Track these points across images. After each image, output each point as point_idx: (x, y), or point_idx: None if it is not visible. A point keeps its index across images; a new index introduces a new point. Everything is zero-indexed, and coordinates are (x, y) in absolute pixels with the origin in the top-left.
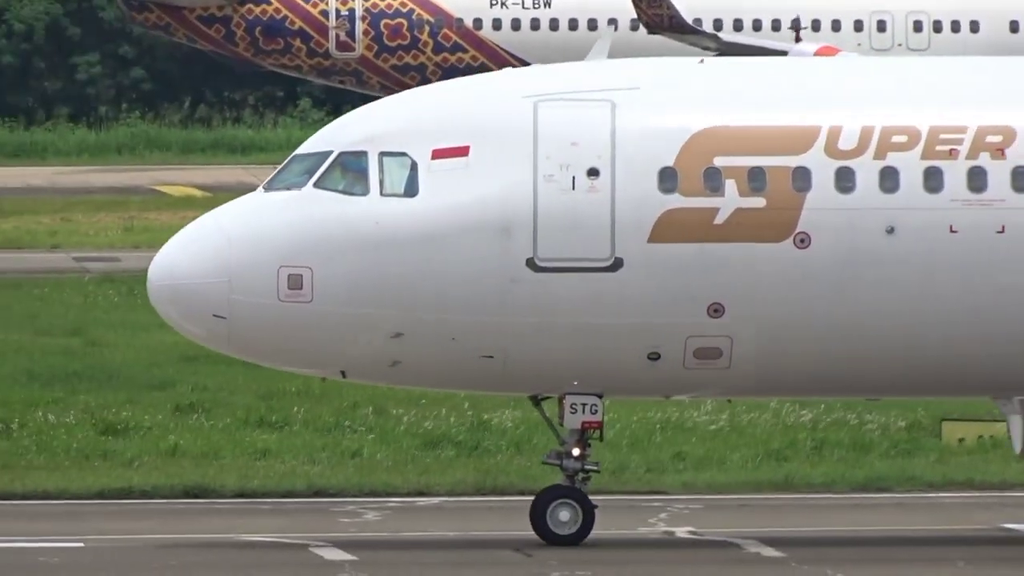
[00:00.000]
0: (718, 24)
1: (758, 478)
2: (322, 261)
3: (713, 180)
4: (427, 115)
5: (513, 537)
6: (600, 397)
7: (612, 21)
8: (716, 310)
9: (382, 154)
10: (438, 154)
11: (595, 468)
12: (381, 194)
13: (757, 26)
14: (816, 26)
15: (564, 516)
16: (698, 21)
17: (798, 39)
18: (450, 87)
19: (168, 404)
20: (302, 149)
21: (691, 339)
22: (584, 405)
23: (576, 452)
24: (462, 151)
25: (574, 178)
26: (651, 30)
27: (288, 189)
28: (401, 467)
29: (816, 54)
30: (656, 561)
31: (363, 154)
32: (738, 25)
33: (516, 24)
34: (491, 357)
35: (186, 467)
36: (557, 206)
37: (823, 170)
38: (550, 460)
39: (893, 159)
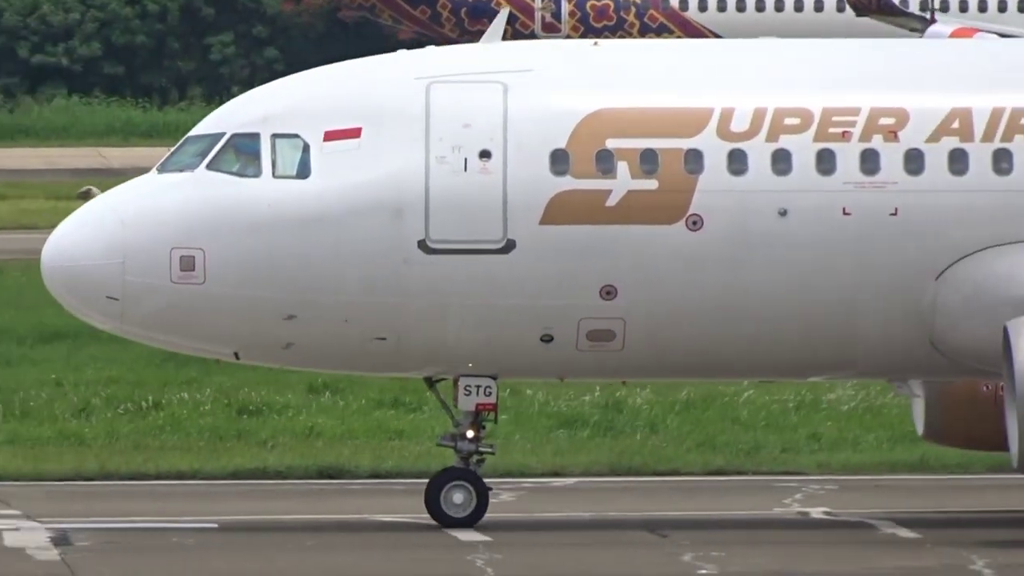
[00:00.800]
0: (924, 4)
1: (893, 459)
2: (214, 243)
3: (605, 162)
4: (320, 96)
5: (648, 518)
6: (494, 379)
7: (819, 4)
8: (608, 292)
9: (274, 136)
10: (330, 136)
11: (490, 450)
12: (273, 176)
13: (963, 7)
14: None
15: (458, 498)
16: (904, 3)
17: (932, 20)
18: (343, 68)
19: (302, 385)
20: (195, 131)
21: (584, 321)
22: (478, 387)
23: (470, 434)
24: (354, 133)
25: (466, 160)
26: (859, 12)
27: (181, 171)
28: (536, 448)
29: (952, 35)
30: (791, 542)
31: (256, 136)
32: (944, 5)
33: (722, 5)
34: (384, 339)
35: (320, 448)
36: (449, 188)
37: (715, 152)
38: (444, 442)
39: (786, 141)
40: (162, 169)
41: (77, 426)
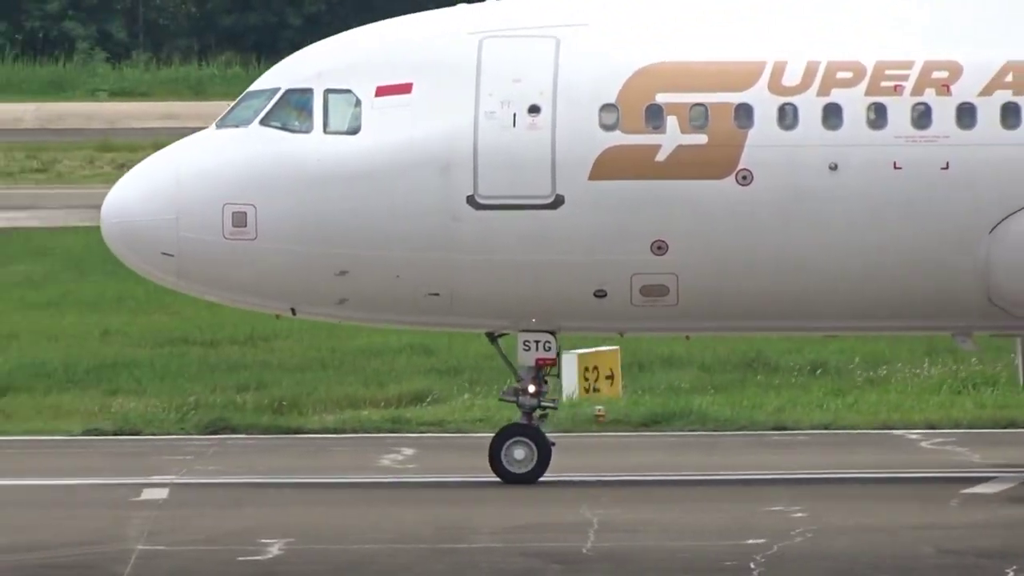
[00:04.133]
0: None
1: None
2: (265, 199)
3: (655, 117)
4: (373, 52)
5: None
6: (553, 334)
7: None
8: (660, 248)
9: (327, 91)
10: (382, 91)
11: (552, 405)
12: (324, 131)
13: None
14: None
15: (519, 454)
16: None
17: None
18: (398, 23)
19: None
20: (254, 86)
21: (636, 276)
22: (537, 342)
23: (532, 389)
24: (405, 88)
25: (515, 115)
26: None
27: (237, 126)
28: None
29: None
30: None
31: (309, 91)
32: None
33: None
34: (437, 295)
35: None
36: (497, 143)
37: (766, 107)
38: (507, 397)
39: (837, 95)
40: (220, 124)
41: None
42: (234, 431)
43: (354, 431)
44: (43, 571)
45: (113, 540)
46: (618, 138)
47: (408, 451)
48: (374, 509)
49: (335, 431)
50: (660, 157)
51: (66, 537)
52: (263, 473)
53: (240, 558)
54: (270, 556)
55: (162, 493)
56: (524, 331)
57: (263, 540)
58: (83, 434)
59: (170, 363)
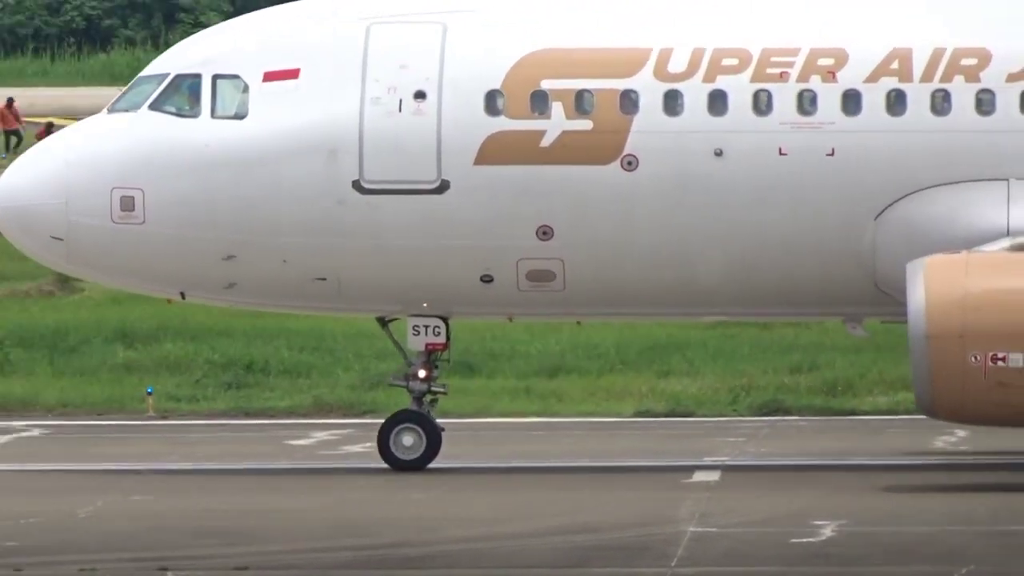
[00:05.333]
0: None
1: None
2: (153, 183)
3: (540, 103)
4: (262, 37)
5: None
6: (443, 320)
7: None
8: (545, 233)
9: (216, 76)
10: (269, 76)
11: (442, 390)
12: (212, 116)
13: None
14: None
15: (408, 441)
16: None
17: None
18: (289, 9)
19: None
20: (145, 71)
21: (522, 262)
22: (427, 327)
23: (422, 374)
24: (293, 74)
25: (401, 101)
26: None
27: (127, 111)
28: None
29: None
30: None
31: (198, 76)
32: None
33: None
34: (324, 279)
35: None
36: (383, 129)
37: (651, 93)
38: (395, 382)
39: (723, 82)
40: (111, 109)
41: None
42: (787, 413)
43: (907, 413)
44: (596, 552)
45: (665, 522)
46: (503, 123)
47: (961, 433)
48: (925, 492)
49: (888, 412)
50: (545, 143)
51: (618, 519)
52: (815, 455)
53: (792, 540)
54: (822, 538)
55: (714, 475)
56: (413, 316)
57: (815, 522)
58: (635, 415)
59: (723, 344)
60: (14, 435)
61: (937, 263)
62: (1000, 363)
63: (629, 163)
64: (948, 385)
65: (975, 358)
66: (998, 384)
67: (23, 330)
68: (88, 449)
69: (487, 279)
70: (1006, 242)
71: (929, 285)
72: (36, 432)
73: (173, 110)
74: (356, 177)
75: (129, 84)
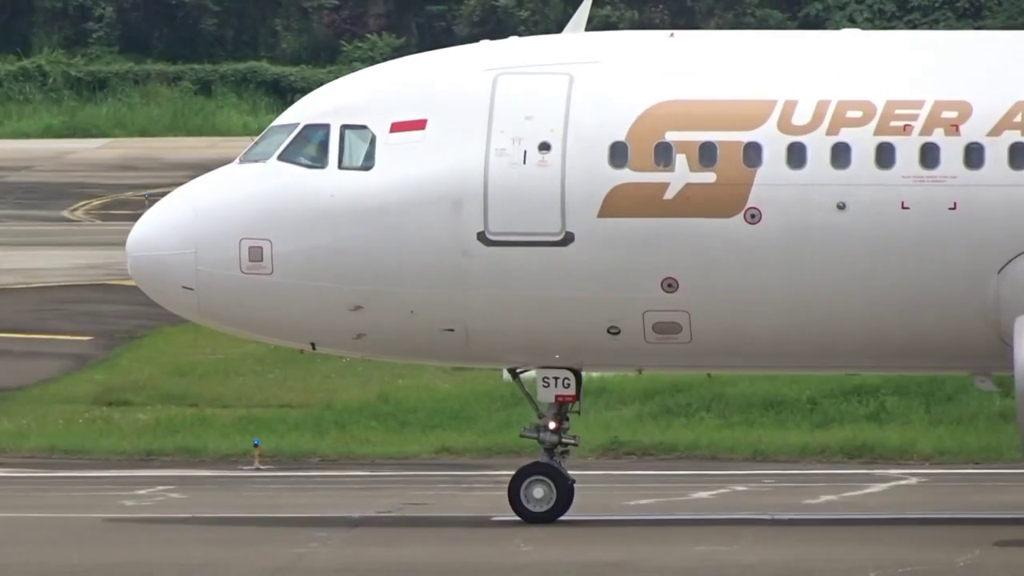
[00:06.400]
0: None
1: None
2: (280, 233)
3: (664, 155)
4: (391, 88)
5: None
6: (573, 371)
7: None
8: (670, 285)
9: (344, 127)
10: (397, 127)
11: (573, 442)
12: (339, 167)
13: None
14: None
15: (538, 493)
16: None
17: None
18: (417, 60)
19: None
20: (277, 121)
21: (648, 313)
22: (556, 379)
23: (552, 425)
24: (420, 124)
25: (525, 152)
26: None
27: (256, 161)
28: None
29: None
30: None
31: (326, 126)
32: None
33: None
34: (452, 330)
35: None
36: (508, 180)
37: (775, 145)
38: (527, 434)
39: (846, 134)
40: (243, 160)
41: None
42: None
43: None
44: None
45: None
46: (627, 175)
47: None
48: None
49: None
50: (669, 195)
51: None
52: None
53: None
54: None
55: None
56: (543, 367)
57: None
58: None
59: None
60: (891, 483)
61: None
62: None
63: (752, 216)
64: None
65: None
66: None
67: (897, 379)
68: (966, 498)
69: (614, 331)
70: None
71: None
72: (913, 480)
73: (302, 161)
74: (481, 229)
75: (262, 134)
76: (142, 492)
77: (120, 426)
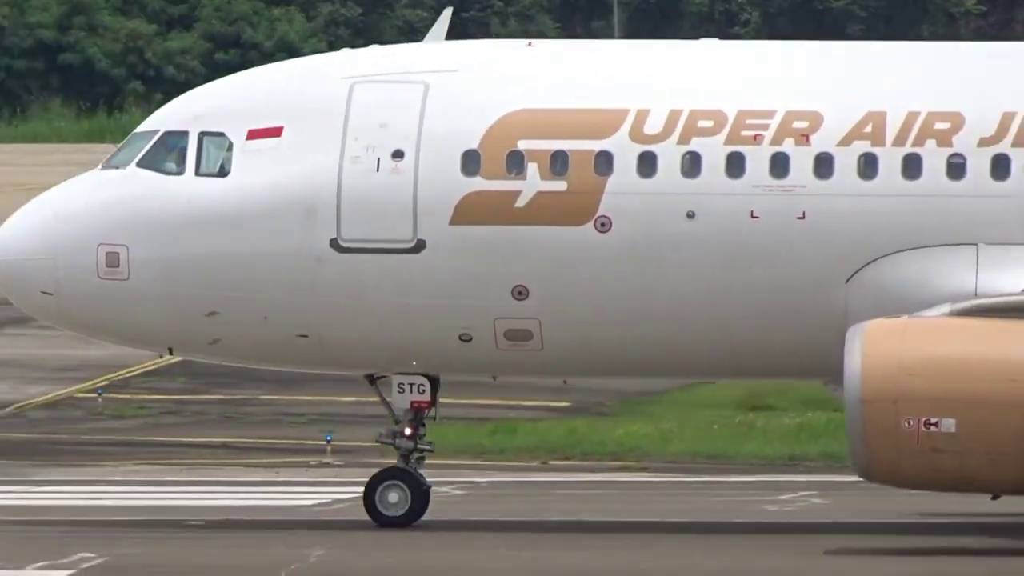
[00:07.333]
0: None
1: None
2: (137, 239)
3: (516, 163)
4: (250, 95)
5: None
6: (428, 377)
7: None
8: (521, 293)
9: (202, 134)
10: (253, 134)
11: (429, 448)
12: (197, 173)
13: None
14: None
15: (393, 498)
16: None
17: None
18: (278, 67)
19: None
20: (139, 128)
21: (499, 320)
22: (412, 385)
23: (408, 431)
24: (276, 132)
25: (379, 160)
26: None
27: (116, 168)
28: None
29: None
30: None
31: (185, 133)
32: None
33: None
34: (306, 336)
35: None
36: (361, 188)
37: (626, 154)
38: (384, 440)
39: (697, 144)
40: (104, 166)
41: None
42: None
43: None
44: None
45: None
46: (479, 184)
47: None
48: None
49: None
50: (520, 203)
51: None
52: None
53: None
54: None
55: None
56: (399, 374)
57: None
58: None
59: None
60: None
61: (875, 328)
62: (932, 428)
63: (603, 224)
64: (882, 449)
65: (908, 423)
66: (931, 449)
67: None
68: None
69: (466, 338)
70: (946, 307)
71: (866, 350)
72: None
73: (160, 167)
74: (334, 235)
75: (124, 140)
76: (784, 497)
77: (763, 431)
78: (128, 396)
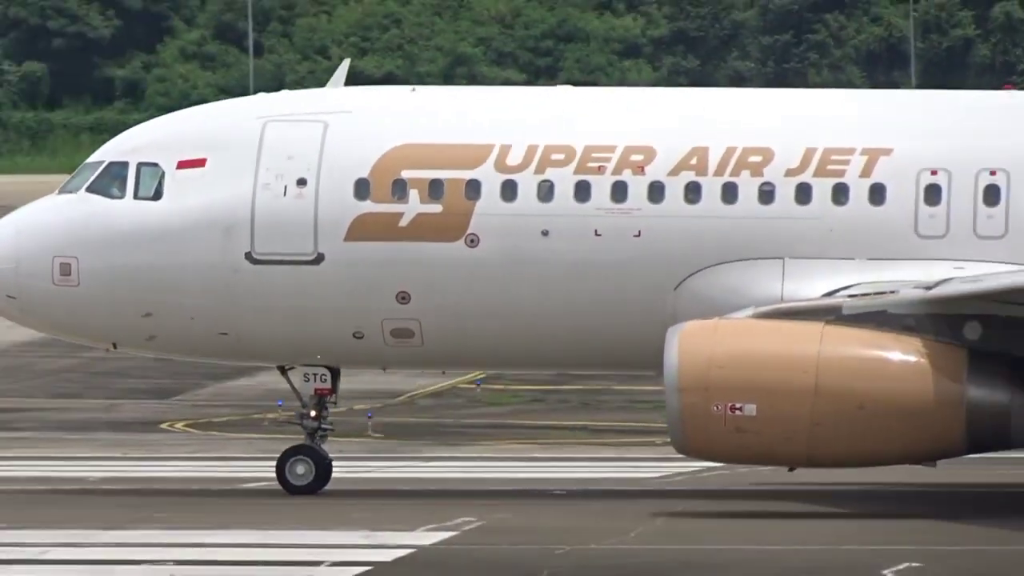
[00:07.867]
0: None
1: None
2: (86, 252)
3: (400, 190)
4: (180, 131)
5: None
6: (329, 368)
7: None
8: (403, 298)
9: (140, 164)
10: (182, 164)
11: (330, 427)
12: (135, 197)
13: None
14: None
15: (300, 470)
16: None
17: None
18: (208, 107)
19: None
20: (89, 159)
21: (386, 321)
22: (315, 375)
23: (313, 414)
24: (201, 162)
25: (286, 187)
26: None
27: (70, 192)
28: None
29: None
30: None
31: (125, 164)
32: None
33: None
34: (226, 334)
35: None
36: (270, 210)
37: (491, 182)
38: (293, 420)
39: (551, 173)
40: (61, 191)
41: None
42: None
43: None
44: None
45: None
46: (369, 207)
47: None
48: None
49: None
50: (403, 223)
51: None
52: None
53: None
54: None
55: None
56: (305, 365)
57: None
58: None
59: None
60: None
61: (690, 328)
62: (737, 412)
63: (472, 241)
64: (696, 430)
65: (717, 408)
66: (736, 430)
67: None
68: None
69: (359, 336)
70: (751, 310)
71: (682, 346)
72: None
73: (105, 192)
74: (248, 250)
75: (76, 169)
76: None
77: None
78: (502, 387)
